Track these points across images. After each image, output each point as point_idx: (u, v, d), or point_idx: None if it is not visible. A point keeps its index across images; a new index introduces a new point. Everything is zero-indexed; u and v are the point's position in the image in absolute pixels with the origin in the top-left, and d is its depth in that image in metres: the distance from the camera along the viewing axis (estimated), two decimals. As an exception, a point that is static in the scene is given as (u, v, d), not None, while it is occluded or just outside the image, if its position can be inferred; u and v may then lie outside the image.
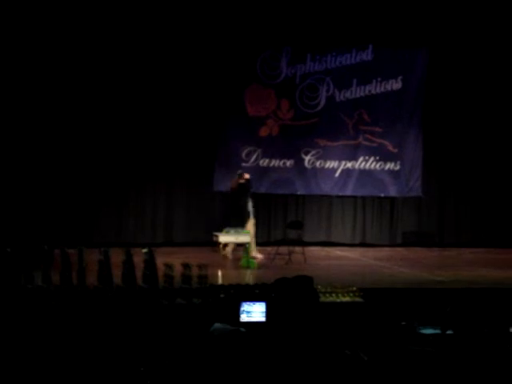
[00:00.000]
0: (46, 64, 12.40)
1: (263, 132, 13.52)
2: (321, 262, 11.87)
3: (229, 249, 11.83)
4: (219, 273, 10.01)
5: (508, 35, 13.34)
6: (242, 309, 6.21)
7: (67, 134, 12.65)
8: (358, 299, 8.39)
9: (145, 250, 8.87)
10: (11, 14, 12.13)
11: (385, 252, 12.92)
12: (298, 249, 11.60)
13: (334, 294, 8.31)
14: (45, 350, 4.96)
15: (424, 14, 13.18)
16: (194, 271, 8.72)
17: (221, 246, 11.61)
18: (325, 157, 13.65)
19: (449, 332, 4.95)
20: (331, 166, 13.71)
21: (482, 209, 13.87)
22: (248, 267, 10.85)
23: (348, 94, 13.61)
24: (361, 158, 13.75)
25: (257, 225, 12.04)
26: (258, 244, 11.84)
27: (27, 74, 12.35)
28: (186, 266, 8.73)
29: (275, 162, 13.57)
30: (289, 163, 13.60)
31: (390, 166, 13.79)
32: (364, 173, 13.72)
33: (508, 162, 13.80)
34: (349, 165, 13.74)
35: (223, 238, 11.06)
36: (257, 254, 11.64)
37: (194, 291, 8.29)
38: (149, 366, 4.44)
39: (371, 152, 13.74)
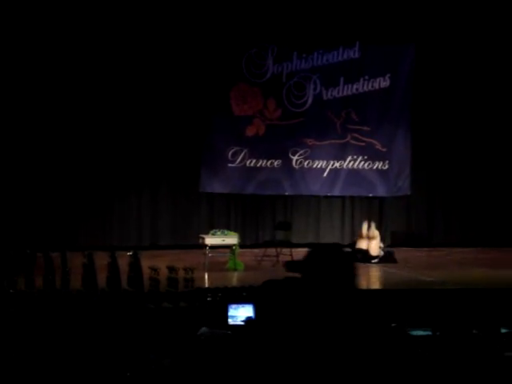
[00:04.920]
0: (23, 70, 12.22)
1: (250, 132, 13.36)
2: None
3: None
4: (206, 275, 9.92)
5: (496, 31, 13.27)
6: (229, 312, 6.11)
7: (49, 135, 12.43)
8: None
9: (130, 253, 8.76)
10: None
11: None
12: (286, 250, 11.49)
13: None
14: (28, 354, 4.88)
15: (410, 10, 13.08)
16: (180, 274, 8.59)
17: None
18: (312, 157, 13.49)
19: (439, 334, 4.88)
20: (319, 165, 13.56)
21: (470, 208, 13.79)
22: (235, 269, 10.74)
23: (335, 93, 13.46)
24: (349, 158, 13.61)
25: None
26: (245, 246, 11.69)
27: (13, 78, 12.18)
28: (171, 269, 8.59)
29: (262, 163, 13.40)
30: (276, 163, 13.44)
31: (378, 165, 13.66)
32: (352, 172, 13.59)
33: (497, 162, 13.74)
34: (337, 164, 13.60)
35: (209, 241, 10.92)
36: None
37: (180, 295, 8.16)
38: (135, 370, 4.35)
39: (359, 151, 13.59)
